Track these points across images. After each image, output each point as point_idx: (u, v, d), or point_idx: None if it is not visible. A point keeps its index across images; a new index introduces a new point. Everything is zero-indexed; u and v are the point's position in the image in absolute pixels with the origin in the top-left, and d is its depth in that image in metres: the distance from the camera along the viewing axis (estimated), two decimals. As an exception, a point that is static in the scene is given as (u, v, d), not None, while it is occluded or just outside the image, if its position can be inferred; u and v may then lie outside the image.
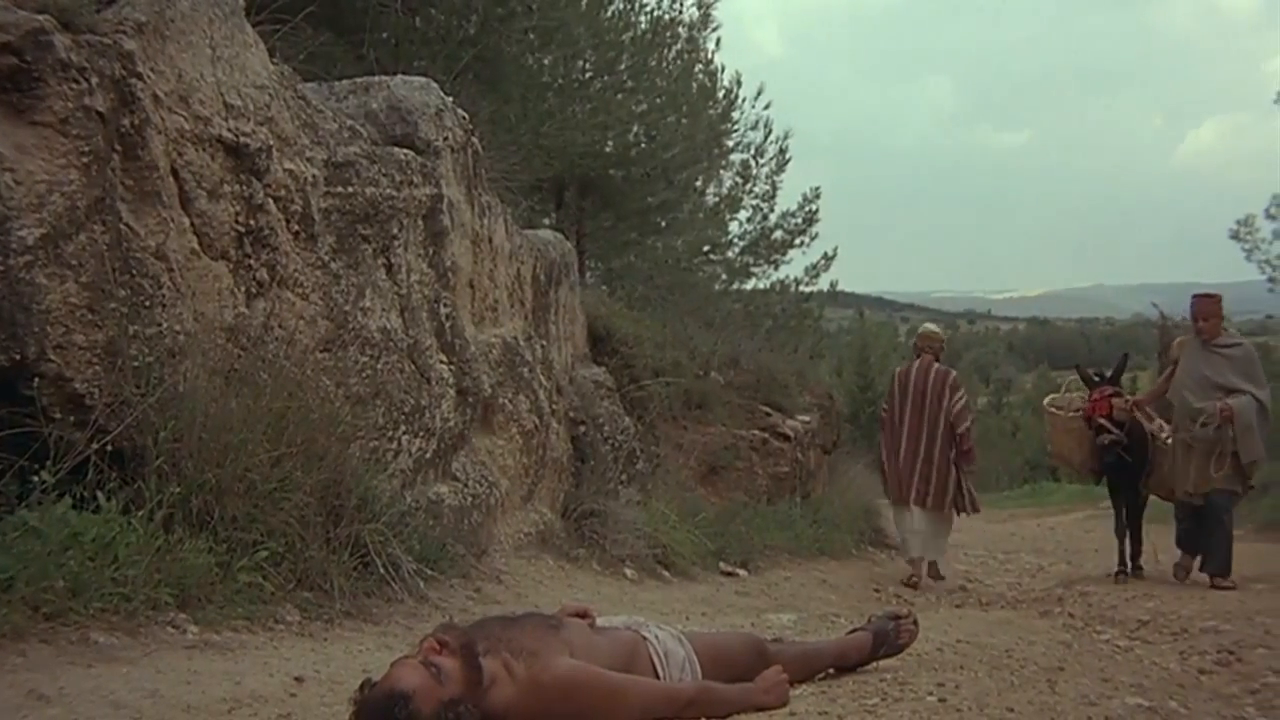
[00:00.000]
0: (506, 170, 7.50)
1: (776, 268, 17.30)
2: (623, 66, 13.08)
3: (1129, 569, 7.44)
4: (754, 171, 16.58)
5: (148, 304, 3.76)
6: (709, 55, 15.04)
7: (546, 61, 12.11)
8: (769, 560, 7.84)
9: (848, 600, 7.12)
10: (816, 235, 17.10)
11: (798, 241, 17.05)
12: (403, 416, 5.11)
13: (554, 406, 6.95)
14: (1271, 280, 19.19)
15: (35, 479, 3.25)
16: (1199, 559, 6.81)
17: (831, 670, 3.33)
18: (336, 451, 4.25)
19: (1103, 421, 7.29)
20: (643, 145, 13.71)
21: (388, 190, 5.21)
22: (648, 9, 13.76)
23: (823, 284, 17.99)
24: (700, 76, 14.93)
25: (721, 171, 16.35)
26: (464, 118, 6.17)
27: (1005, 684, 3.17)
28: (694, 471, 9.21)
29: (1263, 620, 4.81)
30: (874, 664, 3.40)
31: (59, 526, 3.19)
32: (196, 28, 4.16)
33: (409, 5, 9.36)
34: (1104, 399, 7.35)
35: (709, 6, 14.68)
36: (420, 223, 5.52)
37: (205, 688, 2.83)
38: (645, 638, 2.84)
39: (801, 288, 17.72)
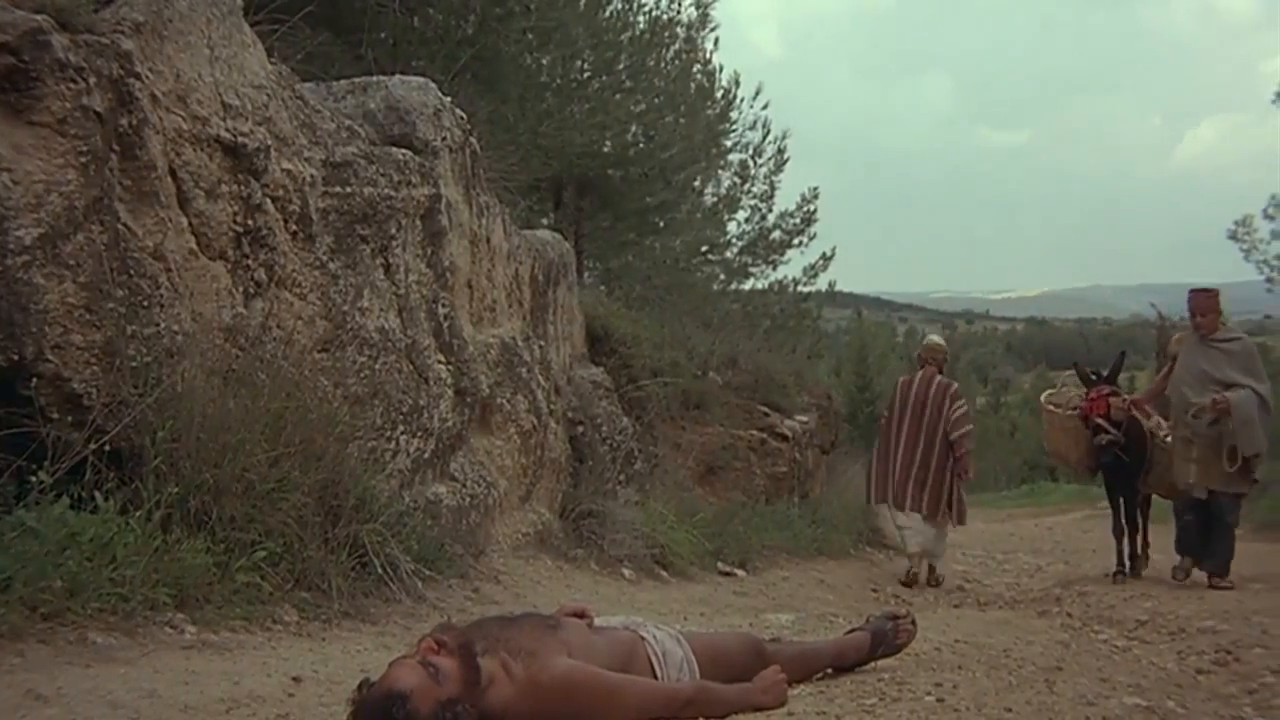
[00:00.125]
0: (505, 170, 7.50)
1: (775, 268, 17.33)
2: (621, 66, 13.07)
3: (1127, 569, 7.45)
4: (752, 171, 16.58)
5: (146, 304, 3.76)
6: (707, 55, 15.06)
7: (545, 61, 12.10)
8: (767, 560, 7.84)
9: (846, 600, 7.12)
10: (815, 235, 17.14)
11: (796, 242, 17.05)
12: (401, 417, 5.11)
13: (552, 407, 6.95)
14: (1270, 280, 19.21)
15: (33, 479, 3.25)
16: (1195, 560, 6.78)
17: (829, 670, 3.33)
18: (334, 452, 4.25)
19: (1100, 421, 7.27)
20: (641, 145, 13.70)
21: (386, 190, 5.21)
22: (646, 9, 13.77)
23: (821, 284, 18.03)
24: (698, 76, 14.93)
25: (720, 171, 16.35)
26: (462, 118, 6.17)
27: (1003, 684, 3.17)
28: (692, 471, 9.21)
29: (1260, 620, 4.82)
30: (872, 664, 3.41)
31: (57, 526, 3.19)
32: (194, 28, 4.15)
33: (407, 5, 9.35)
34: (1101, 398, 7.31)
35: (707, 6, 14.70)
36: (418, 223, 5.52)
37: (203, 688, 2.83)
38: (643, 638, 2.84)
39: (800, 288, 17.73)
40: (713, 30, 14.89)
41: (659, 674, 2.76)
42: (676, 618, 5.08)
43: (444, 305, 5.67)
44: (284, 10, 5.21)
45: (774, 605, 6.35)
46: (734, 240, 17.07)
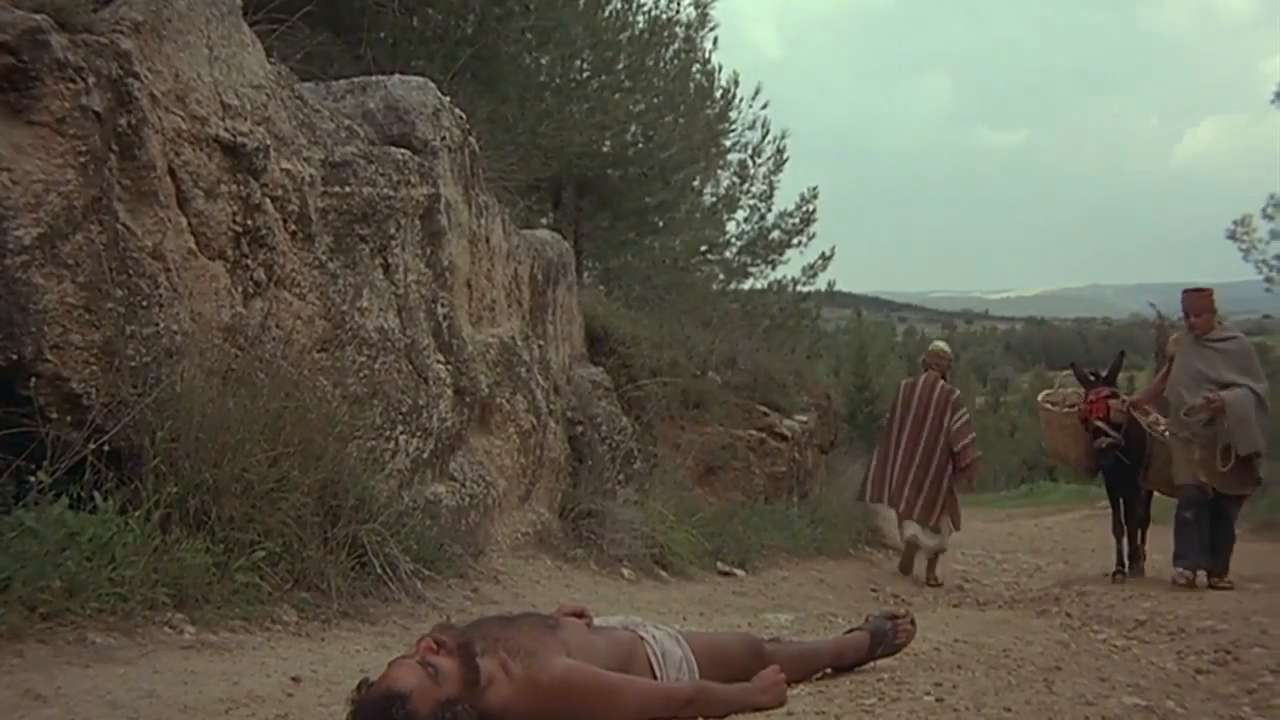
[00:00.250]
0: (504, 170, 7.50)
1: (774, 268, 17.32)
2: (620, 66, 13.06)
3: (1127, 568, 7.43)
4: (751, 171, 16.58)
5: (145, 304, 3.76)
6: (706, 55, 15.06)
7: (544, 61, 12.09)
8: (766, 560, 7.84)
9: (845, 600, 7.12)
10: (814, 235, 17.13)
11: (795, 241, 17.04)
12: (400, 416, 5.11)
13: (551, 406, 6.95)
14: (1268, 280, 19.22)
15: (32, 479, 3.24)
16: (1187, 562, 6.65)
17: (829, 670, 3.33)
18: (334, 451, 4.25)
19: (1100, 424, 7.24)
20: (640, 145, 13.70)
21: (385, 190, 5.21)
22: (645, 8, 13.76)
23: (820, 284, 18.05)
24: (698, 76, 14.92)
25: (719, 171, 16.35)
26: (461, 117, 6.17)
27: (1002, 684, 3.17)
28: (691, 471, 9.22)
29: (1259, 620, 4.82)
30: (871, 664, 3.40)
31: (56, 526, 3.18)
32: (193, 27, 4.15)
33: (406, 5, 9.35)
34: (1100, 400, 7.28)
35: (706, 6, 14.69)
36: (417, 223, 5.52)
37: (202, 688, 2.82)
38: (642, 637, 2.84)
39: (799, 288, 17.73)
40: (712, 30, 14.92)
41: (658, 674, 2.76)
42: (676, 617, 5.08)
43: (443, 305, 5.67)
44: (283, 10, 5.21)
45: (773, 605, 6.35)
46: (733, 240, 17.09)
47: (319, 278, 4.76)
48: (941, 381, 8.77)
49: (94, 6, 3.83)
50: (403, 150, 5.49)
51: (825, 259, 17.69)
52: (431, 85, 5.99)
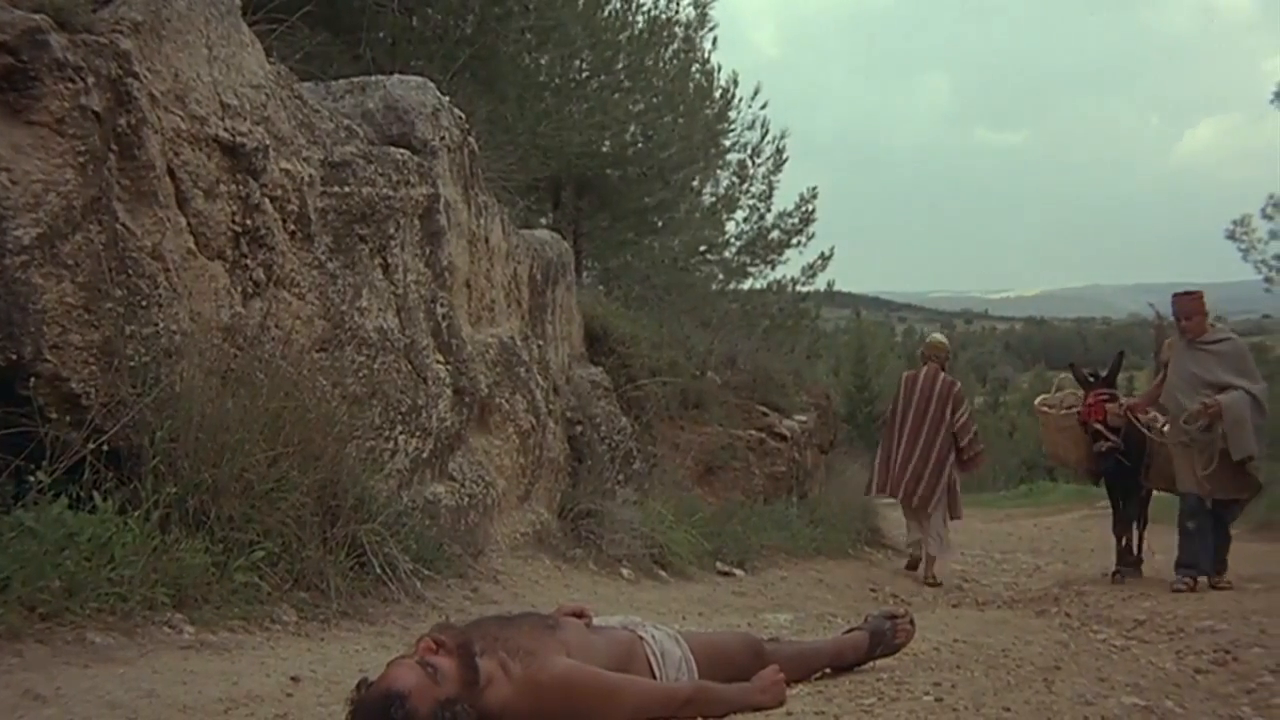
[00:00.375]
0: (503, 170, 7.50)
1: (773, 268, 17.33)
2: (619, 66, 13.07)
3: (1127, 568, 7.40)
4: (751, 171, 16.58)
5: (144, 304, 3.76)
6: (706, 55, 15.07)
7: (543, 61, 12.10)
8: (766, 560, 7.84)
9: (844, 600, 7.12)
10: (813, 235, 17.14)
11: (794, 241, 17.05)
12: (399, 416, 5.11)
13: (551, 406, 6.95)
14: (1268, 280, 19.24)
15: (31, 479, 3.24)
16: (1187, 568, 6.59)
17: (828, 670, 3.33)
18: (333, 451, 4.24)
19: (1099, 428, 7.19)
20: (639, 145, 13.71)
21: (384, 190, 5.21)
22: (644, 8, 13.77)
23: (819, 284, 18.05)
24: (697, 76, 14.93)
25: (718, 171, 16.36)
26: (461, 117, 6.17)
27: (1002, 683, 3.17)
28: (691, 471, 9.22)
29: (1258, 620, 4.81)
30: (871, 663, 3.41)
31: (55, 526, 3.18)
32: (193, 27, 4.15)
33: (406, 5, 9.35)
34: (1098, 404, 7.23)
35: (705, 6, 14.70)
36: (417, 222, 5.52)
37: (201, 688, 2.82)
38: (642, 637, 2.84)
39: (798, 288, 17.74)
40: (711, 30, 14.93)
41: (657, 674, 2.76)
42: (675, 617, 5.08)
43: (442, 305, 5.67)
44: (282, 10, 5.21)
45: (772, 605, 6.35)
46: (732, 240, 17.10)
47: (318, 278, 4.76)
48: (942, 373, 8.92)
49: (93, 6, 3.83)
50: (402, 150, 5.49)
51: (824, 259, 17.72)
52: (431, 85, 5.99)
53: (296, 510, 3.96)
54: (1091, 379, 7.51)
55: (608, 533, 6.66)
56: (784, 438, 10.34)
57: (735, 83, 15.63)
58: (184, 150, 4.04)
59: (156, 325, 3.79)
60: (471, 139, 6.31)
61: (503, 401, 6.24)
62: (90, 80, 3.58)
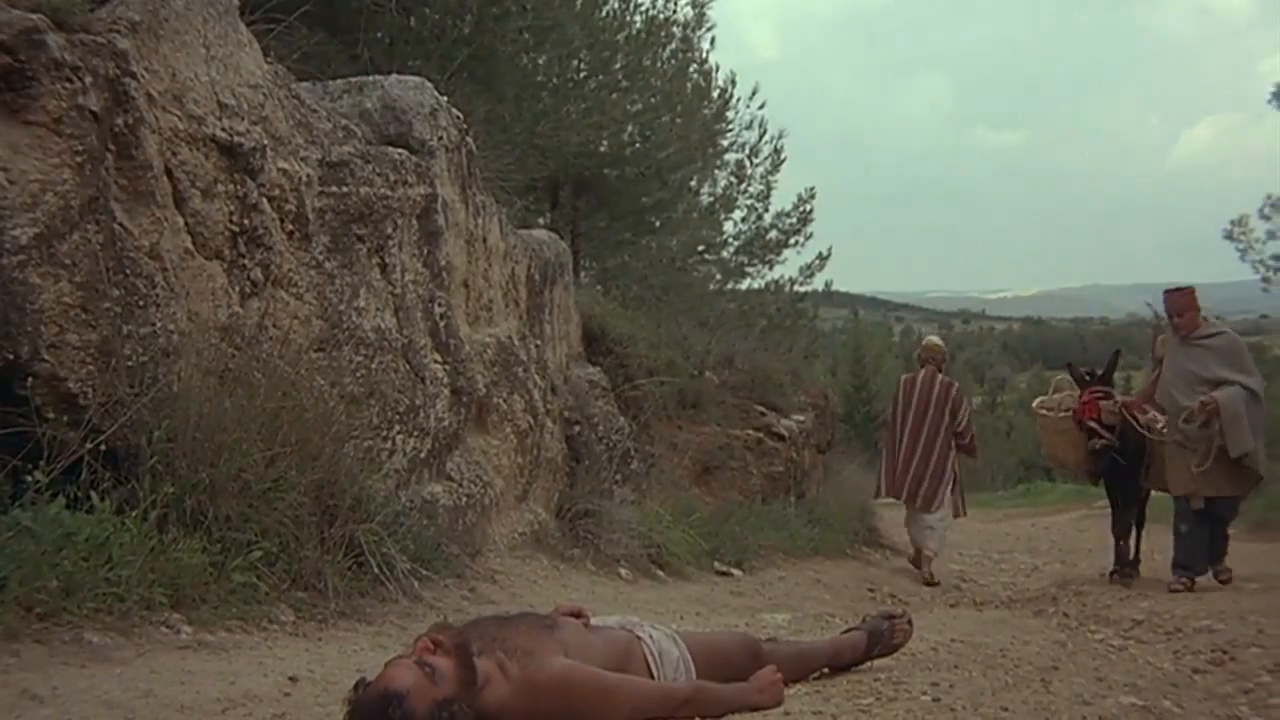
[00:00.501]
0: (501, 170, 7.50)
1: (771, 267, 17.34)
2: (617, 66, 13.07)
3: (1124, 569, 7.38)
4: (749, 171, 16.58)
5: (142, 303, 3.76)
6: (704, 55, 15.07)
7: (541, 61, 12.09)
8: (764, 560, 7.84)
9: (842, 600, 7.12)
10: (811, 235, 17.16)
11: (792, 241, 17.06)
12: (397, 416, 5.11)
13: (548, 406, 6.95)
14: (1265, 280, 19.24)
15: (29, 479, 3.24)
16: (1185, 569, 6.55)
17: (826, 670, 3.34)
18: (331, 451, 4.24)
19: (1092, 425, 7.14)
20: (637, 145, 13.71)
21: (382, 190, 5.21)
22: (642, 8, 13.76)
23: (817, 284, 18.08)
24: (695, 76, 14.92)
25: (716, 171, 16.35)
26: (458, 117, 6.17)
27: (1000, 683, 3.17)
28: (688, 471, 9.22)
29: (1256, 619, 4.81)
30: (868, 663, 3.41)
31: (52, 526, 3.18)
32: (190, 27, 4.15)
33: (403, 5, 9.35)
34: (1092, 401, 7.19)
35: (703, 6, 14.70)
36: (415, 222, 5.52)
37: (199, 688, 2.82)
38: (640, 637, 2.84)
39: (796, 287, 17.75)
40: (709, 30, 14.94)
41: (655, 674, 2.76)
42: (673, 617, 5.08)
43: (440, 305, 5.67)
44: (280, 10, 5.21)
45: (770, 605, 6.35)
46: (730, 240, 17.10)
47: (316, 277, 4.75)
48: (939, 375, 9.03)
49: (91, 6, 3.82)
50: (400, 150, 5.49)
51: (822, 259, 17.73)
52: (428, 85, 5.99)
53: (294, 510, 3.96)
54: (1088, 377, 7.48)
55: (605, 532, 6.66)
56: (782, 437, 10.34)
57: (733, 83, 15.68)
58: (181, 150, 4.04)
59: (154, 325, 3.79)
60: (469, 139, 6.31)
61: (500, 401, 6.24)
62: (88, 80, 3.58)
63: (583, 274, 13.37)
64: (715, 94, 15.36)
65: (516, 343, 6.63)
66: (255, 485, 3.86)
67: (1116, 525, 7.51)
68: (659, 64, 14.07)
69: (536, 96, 11.75)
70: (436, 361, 5.56)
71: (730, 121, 15.84)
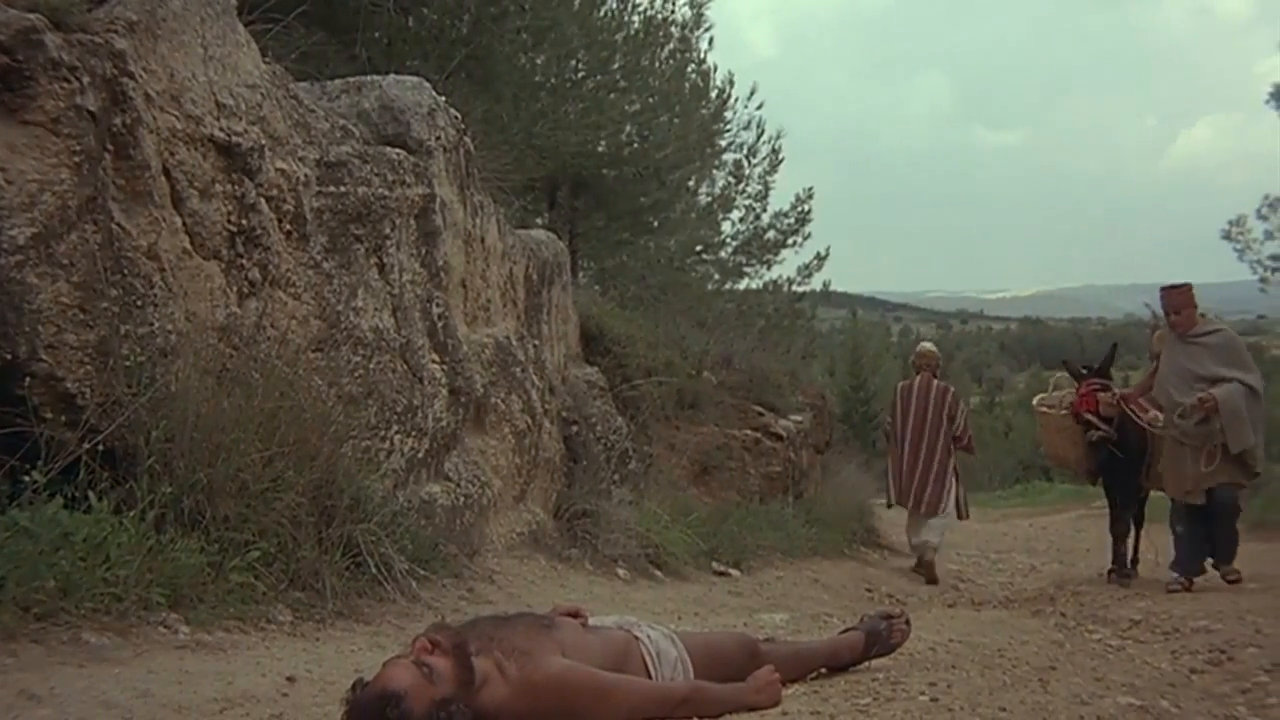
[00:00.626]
0: (499, 170, 7.49)
1: (769, 268, 17.35)
2: (615, 66, 13.07)
3: (1123, 568, 7.36)
4: (747, 171, 16.57)
5: (139, 303, 3.76)
6: (702, 55, 15.07)
7: (539, 61, 12.09)
8: (761, 560, 7.84)
9: (840, 600, 7.13)
10: (809, 235, 17.18)
11: (790, 241, 17.06)
12: (395, 416, 5.11)
13: (546, 406, 6.95)
14: (1263, 280, 19.22)
15: (26, 479, 3.23)
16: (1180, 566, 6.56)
17: (824, 670, 3.34)
18: (329, 451, 4.24)
19: (1089, 417, 7.13)
20: (635, 145, 13.70)
21: (380, 190, 5.21)
22: (640, 8, 13.76)
23: (815, 284, 18.13)
24: (693, 76, 14.93)
25: (714, 171, 16.35)
26: (456, 117, 6.16)
27: (998, 683, 3.17)
28: (686, 471, 9.22)
29: (1254, 619, 4.82)
30: (866, 663, 3.41)
31: (50, 526, 3.18)
32: (188, 27, 4.15)
33: (401, 5, 9.34)
34: (1090, 394, 7.17)
35: (702, 6, 14.70)
36: (413, 222, 5.52)
37: (197, 688, 2.82)
38: (637, 637, 2.85)
39: (794, 288, 17.78)
40: (707, 30, 14.93)
41: (653, 674, 2.76)
42: (671, 617, 5.08)
43: (438, 305, 5.67)
44: (278, 10, 5.20)
45: (768, 605, 6.35)
46: (728, 240, 17.10)
47: (314, 277, 4.75)
48: (935, 381, 9.18)
49: (89, 6, 3.82)
50: (398, 150, 5.49)
51: (820, 259, 17.75)
52: (426, 85, 5.99)
53: (292, 510, 3.96)
54: (1085, 370, 7.46)
55: (603, 533, 6.66)
56: (780, 437, 10.34)
57: (731, 83, 15.68)
58: (179, 150, 4.04)
59: (152, 325, 3.79)
60: (467, 139, 6.31)
61: (498, 401, 6.24)
62: (85, 80, 3.58)
63: (581, 274, 13.37)
64: (713, 94, 15.38)
65: (514, 343, 6.63)
66: (253, 485, 3.85)
67: (1115, 525, 7.49)
68: (657, 64, 14.07)
69: (534, 96, 11.75)
70: (434, 361, 5.56)
71: (728, 121, 15.87)
